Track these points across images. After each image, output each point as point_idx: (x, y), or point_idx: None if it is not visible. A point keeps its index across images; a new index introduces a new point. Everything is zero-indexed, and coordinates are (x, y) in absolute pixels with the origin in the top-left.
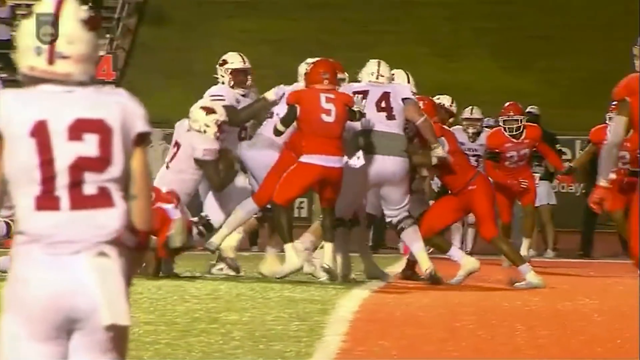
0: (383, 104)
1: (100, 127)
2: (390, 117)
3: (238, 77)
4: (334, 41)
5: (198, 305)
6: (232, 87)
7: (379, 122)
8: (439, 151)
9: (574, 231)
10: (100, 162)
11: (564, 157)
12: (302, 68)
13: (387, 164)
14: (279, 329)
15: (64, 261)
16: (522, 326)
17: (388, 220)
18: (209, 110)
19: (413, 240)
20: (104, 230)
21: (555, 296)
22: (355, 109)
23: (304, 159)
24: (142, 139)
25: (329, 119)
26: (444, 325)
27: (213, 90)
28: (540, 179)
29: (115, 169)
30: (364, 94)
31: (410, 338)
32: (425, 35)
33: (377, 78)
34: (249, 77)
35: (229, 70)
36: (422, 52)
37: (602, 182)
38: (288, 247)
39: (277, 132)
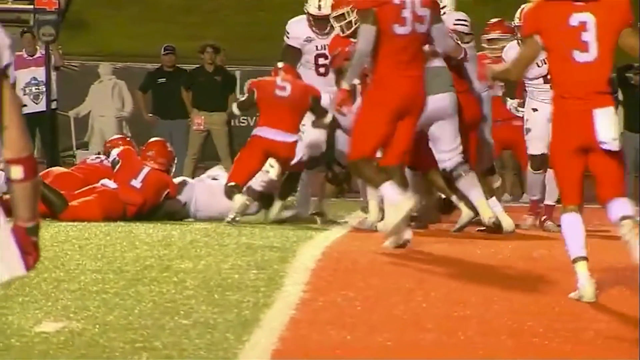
0: None
1: None
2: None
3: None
4: None
5: (149, 252)
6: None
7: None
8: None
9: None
10: None
11: None
12: None
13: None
14: (235, 277)
15: None
16: (495, 275)
17: (442, 167)
18: None
19: (471, 188)
20: None
21: (532, 245)
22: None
23: None
24: (7, 70)
25: None
26: (412, 275)
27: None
28: None
29: None
30: None
31: (376, 288)
32: None
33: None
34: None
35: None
36: None
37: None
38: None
39: None
